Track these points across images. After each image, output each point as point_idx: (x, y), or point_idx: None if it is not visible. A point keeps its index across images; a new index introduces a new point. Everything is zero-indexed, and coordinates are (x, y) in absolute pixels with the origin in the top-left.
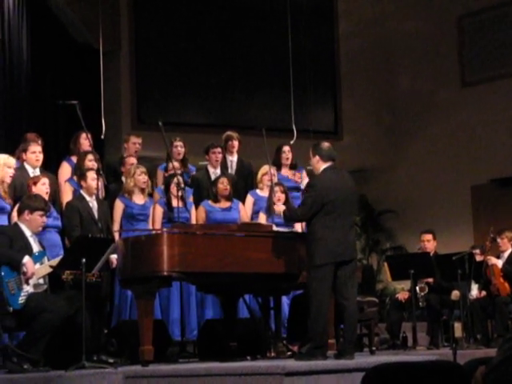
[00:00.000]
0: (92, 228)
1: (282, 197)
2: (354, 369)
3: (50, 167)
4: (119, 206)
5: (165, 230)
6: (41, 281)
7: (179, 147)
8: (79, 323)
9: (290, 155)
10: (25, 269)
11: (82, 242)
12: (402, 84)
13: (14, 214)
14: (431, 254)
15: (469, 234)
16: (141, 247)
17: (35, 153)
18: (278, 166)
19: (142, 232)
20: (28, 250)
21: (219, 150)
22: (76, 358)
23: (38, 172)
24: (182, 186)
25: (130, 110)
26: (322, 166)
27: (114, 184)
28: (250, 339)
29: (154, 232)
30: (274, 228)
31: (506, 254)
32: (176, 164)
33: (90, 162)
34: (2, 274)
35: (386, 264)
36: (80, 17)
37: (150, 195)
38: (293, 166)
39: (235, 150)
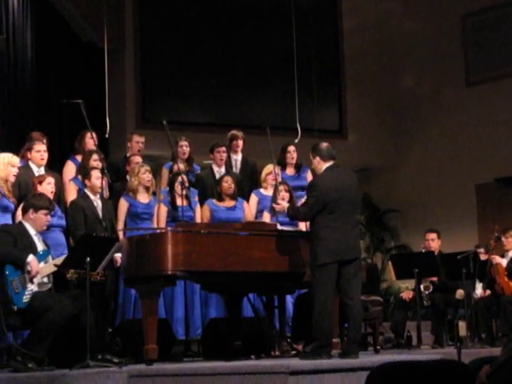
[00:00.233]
0: (96, 227)
1: (287, 196)
2: (358, 368)
3: (54, 166)
4: (124, 205)
5: (169, 228)
6: (45, 280)
7: (184, 147)
8: (83, 322)
9: (295, 155)
10: (29, 268)
11: (86, 240)
12: (405, 83)
13: (19, 212)
14: (436, 253)
15: (473, 233)
16: (145, 246)
17: (40, 152)
18: (283, 165)
19: (146, 231)
20: (32, 248)
21: (224, 149)
22: (80, 356)
23: (42, 171)
24: (187, 184)
25: (135, 109)
26: (323, 166)
27: (118, 183)
28: (254, 338)
29: (158, 231)
30: (279, 227)
31: (511, 253)
32: (181, 163)
33: (95, 161)
34: (7, 272)
35: (390, 263)
36: (84, 15)
37: (155, 194)
38: (298, 166)
39: (240, 149)
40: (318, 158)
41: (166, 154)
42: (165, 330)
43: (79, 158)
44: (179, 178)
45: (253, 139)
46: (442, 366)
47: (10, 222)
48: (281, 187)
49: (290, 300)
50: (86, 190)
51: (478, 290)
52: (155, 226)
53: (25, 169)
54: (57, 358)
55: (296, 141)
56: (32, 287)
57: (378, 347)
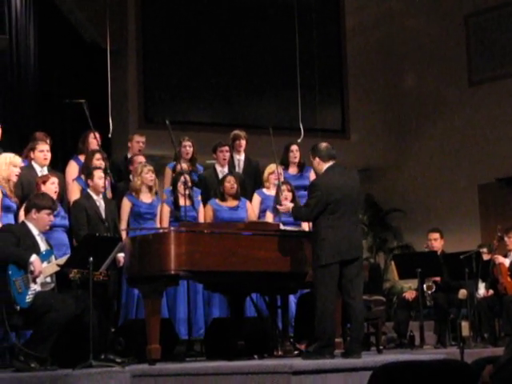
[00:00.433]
0: (99, 227)
1: (289, 195)
2: (361, 368)
3: (57, 166)
4: (126, 205)
5: (172, 228)
6: (48, 279)
7: (188, 147)
8: (86, 322)
9: (297, 154)
10: (32, 267)
11: (89, 240)
12: (408, 83)
13: (22, 212)
14: (438, 253)
15: (476, 233)
16: (148, 246)
17: (43, 152)
18: (286, 164)
19: (149, 231)
20: (35, 248)
21: (227, 148)
22: (83, 356)
23: (45, 171)
24: (190, 184)
25: (137, 109)
26: (323, 166)
27: (122, 183)
28: (257, 338)
29: (161, 231)
30: (281, 227)
31: None
32: (184, 163)
33: (98, 160)
34: (10, 272)
35: (393, 263)
36: (87, 16)
37: (157, 194)
38: (301, 165)
39: (242, 148)
40: (317, 159)
41: (169, 153)
42: (167, 329)
43: (82, 158)
44: (182, 178)
45: (255, 139)
46: (444, 365)
47: (13, 221)
48: (283, 187)
49: (292, 300)
50: (89, 190)
51: (481, 289)
52: (158, 225)
53: (28, 169)
54: (60, 357)
55: (299, 140)
56: (35, 287)
57: (381, 347)
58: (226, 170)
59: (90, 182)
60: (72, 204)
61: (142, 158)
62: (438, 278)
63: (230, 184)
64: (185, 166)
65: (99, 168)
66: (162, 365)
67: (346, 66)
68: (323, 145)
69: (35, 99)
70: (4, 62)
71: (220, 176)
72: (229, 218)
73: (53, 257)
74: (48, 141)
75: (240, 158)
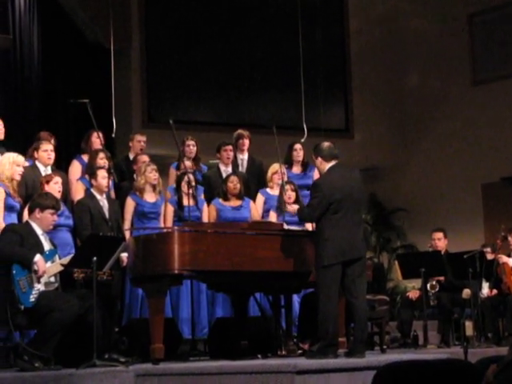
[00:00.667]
0: (102, 226)
1: (293, 195)
2: (364, 367)
3: (60, 165)
4: (130, 204)
5: (176, 228)
6: (52, 279)
7: (191, 146)
8: (90, 322)
9: (301, 153)
10: (36, 267)
11: (92, 240)
12: (412, 82)
13: (26, 212)
14: (442, 253)
15: (480, 233)
16: (152, 245)
17: (47, 151)
18: (290, 164)
19: (152, 230)
20: (39, 248)
21: (230, 147)
22: (87, 356)
23: (49, 170)
24: (193, 184)
25: (141, 109)
26: (326, 165)
27: (126, 182)
28: (260, 337)
29: (164, 230)
30: (285, 226)
31: None
32: (188, 163)
33: (102, 160)
34: (14, 272)
35: (396, 262)
36: (91, 15)
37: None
38: (304, 165)
39: (246, 148)
40: (320, 159)
41: (172, 153)
42: (171, 329)
43: (85, 157)
44: (186, 178)
45: (259, 138)
46: (448, 365)
47: (16, 221)
48: (287, 186)
49: (296, 299)
50: (93, 190)
51: (485, 289)
52: (162, 225)
53: (31, 168)
54: (63, 357)
55: (302, 140)
56: (39, 287)
57: (385, 347)
58: (229, 169)
59: (93, 181)
60: (75, 204)
61: (145, 158)
62: (441, 278)
63: (233, 184)
64: (188, 165)
65: (103, 168)
66: (165, 364)
67: (349, 65)
68: (325, 144)
69: (39, 99)
70: (8, 61)
71: (224, 175)
72: (232, 218)
73: (56, 256)
74: (52, 141)
75: (243, 157)
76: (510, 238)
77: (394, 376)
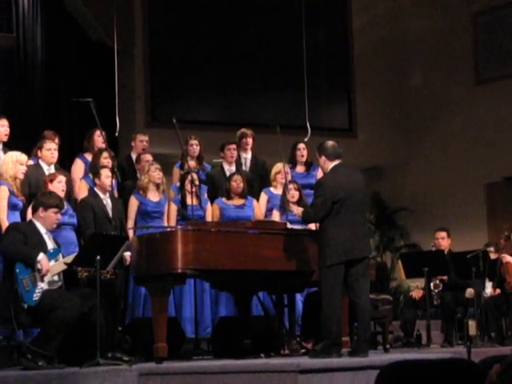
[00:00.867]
0: (106, 225)
1: (296, 194)
2: (368, 366)
3: (64, 164)
4: (134, 203)
5: (179, 227)
6: (55, 278)
7: (195, 145)
8: (93, 320)
9: (304, 153)
10: (39, 266)
11: (96, 239)
12: (415, 81)
13: (29, 211)
14: (445, 252)
15: (483, 232)
16: (155, 244)
17: (50, 150)
18: (293, 163)
19: (156, 229)
20: (42, 247)
21: (234, 146)
22: (90, 355)
23: (52, 169)
24: (197, 183)
25: (144, 108)
26: (329, 165)
27: (129, 181)
28: (263, 337)
29: (168, 229)
30: (288, 225)
31: None
32: (191, 162)
33: (105, 159)
34: (17, 270)
35: (400, 262)
36: (94, 15)
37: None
38: (308, 164)
39: (249, 147)
40: (323, 158)
41: (176, 152)
42: (174, 328)
43: (88, 156)
44: (189, 177)
45: (262, 138)
46: (451, 364)
47: (19, 219)
48: (290, 186)
49: (299, 298)
50: (96, 189)
51: (488, 288)
52: (165, 224)
53: (35, 167)
54: (67, 355)
55: (306, 139)
56: (42, 285)
57: (388, 346)
58: (233, 168)
59: (97, 180)
60: (79, 203)
61: (149, 157)
62: (445, 277)
63: (237, 183)
64: (192, 164)
65: (106, 167)
66: (168, 363)
67: (352, 64)
68: (330, 143)
69: (42, 98)
70: (11, 60)
71: (227, 174)
72: (235, 217)
73: (60, 255)
74: (56, 140)
75: (247, 156)
76: None
77: (397, 375)
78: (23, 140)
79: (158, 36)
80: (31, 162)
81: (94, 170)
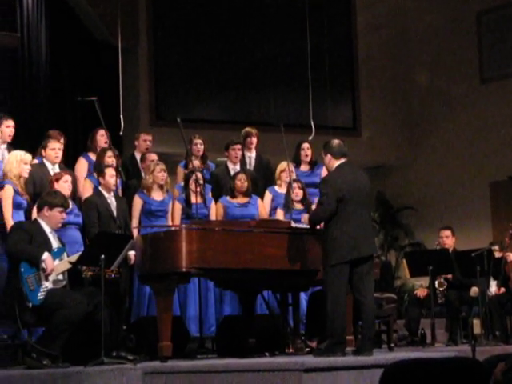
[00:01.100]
0: (110, 224)
1: (300, 193)
2: (372, 365)
3: (68, 163)
4: (138, 203)
5: (183, 226)
6: (60, 277)
7: (199, 144)
8: (98, 319)
9: (309, 152)
10: (44, 265)
11: (100, 238)
12: (420, 80)
13: (35, 210)
14: (450, 251)
15: (487, 231)
16: (159, 243)
17: (54, 149)
18: (298, 162)
19: (160, 228)
20: (47, 246)
21: (239, 147)
22: (95, 353)
23: (57, 169)
24: (201, 182)
25: (149, 107)
26: (334, 163)
27: (134, 180)
28: (268, 335)
29: (172, 228)
30: (293, 224)
31: None
32: (196, 161)
33: (110, 158)
34: (22, 269)
35: (404, 260)
36: (98, 14)
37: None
38: (312, 163)
39: (254, 146)
40: (329, 156)
41: (180, 151)
42: (179, 327)
43: (91, 155)
44: (194, 176)
45: (267, 136)
46: (456, 363)
47: (23, 218)
48: (294, 185)
49: (303, 297)
50: (100, 188)
51: (493, 287)
52: (169, 223)
53: (39, 166)
54: (71, 354)
55: (310, 138)
56: (47, 284)
57: (392, 345)
58: (237, 167)
59: (101, 179)
60: (83, 202)
61: (154, 156)
62: (449, 276)
63: (241, 182)
64: (196, 163)
65: (111, 166)
66: (173, 362)
67: (357, 63)
68: (336, 142)
69: (47, 97)
70: (16, 59)
71: (232, 174)
72: (239, 215)
73: (65, 254)
74: (62, 139)
75: (251, 155)
76: None
77: (401, 374)
78: (27, 139)
79: (163, 35)
80: (36, 161)
81: (98, 169)
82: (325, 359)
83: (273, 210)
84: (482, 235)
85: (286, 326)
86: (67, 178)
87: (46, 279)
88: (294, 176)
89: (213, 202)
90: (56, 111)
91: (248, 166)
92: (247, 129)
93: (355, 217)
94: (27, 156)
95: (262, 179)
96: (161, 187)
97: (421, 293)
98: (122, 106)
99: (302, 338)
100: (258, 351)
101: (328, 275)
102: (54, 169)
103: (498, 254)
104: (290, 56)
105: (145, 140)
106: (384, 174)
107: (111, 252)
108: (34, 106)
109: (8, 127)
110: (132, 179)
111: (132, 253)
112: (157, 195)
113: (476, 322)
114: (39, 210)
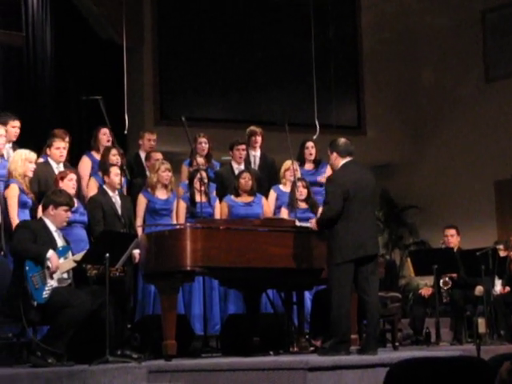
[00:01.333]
0: (115, 223)
1: (305, 192)
2: (377, 364)
3: (72, 162)
4: (142, 201)
5: (188, 224)
6: (65, 275)
7: (203, 143)
8: (103, 318)
9: (313, 151)
10: (49, 263)
11: (105, 236)
12: (425, 79)
13: (40, 208)
14: (455, 250)
15: (492, 230)
16: (164, 242)
17: (59, 148)
18: (302, 161)
19: (165, 227)
20: (52, 244)
21: (244, 147)
22: (100, 352)
23: (61, 167)
24: (206, 181)
25: (153, 106)
26: (340, 161)
27: (139, 178)
28: (272, 334)
29: (177, 227)
30: (297, 223)
31: None
32: (200, 160)
33: (114, 156)
34: (27, 268)
35: (409, 259)
36: (103, 12)
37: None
38: (316, 162)
39: (258, 145)
40: (335, 154)
41: (185, 150)
42: (183, 325)
43: (95, 153)
44: (198, 175)
45: (271, 135)
46: (461, 362)
47: (28, 217)
48: (299, 183)
49: (308, 296)
50: (105, 187)
51: (498, 286)
52: (174, 221)
53: (44, 165)
54: (76, 353)
55: (314, 137)
56: (52, 283)
57: (397, 344)
58: (242, 167)
59: (106, 178)
60: (88, 200)
61: (159, 155)
62: (454, 275)
63: (245, 181)
64: (201, 162)
65: (115, 164)
66: (177, 361)
67: (361, 62)
68: (342, 140)
69: (51, 96)
70: (21, 59)
71: (236, 173)
72: (244, 214)
73: (70, 253)
74: (67, 139)
75: (256, 154)
76: None
77: (406, 373)
78: (32, 138)
79: (167, 34)
80: (41, 160)
81: (103, 167)
82: (329, 358)
83: (277, 208)
84: (486, 234)
85: (291, 324)
86: (72, 176)
87: (51, 277)
88: (298, 175)
89: (217, 201)
90: (61, 110)
91: (252, 165)
92: (252, 128)
93: (360, 215)
94: (32, 155)
95: (266, 178)
96: (165, 186)
97: (425, 292)
98: (126, 105)
99: (307, 336)
100: (263, 350)
101: (333, 274)
102: (58, 168)
103: (502, 253)
104: (295, 55)
105: (149, 139)
106: (388, 172)
107: (116, 250)
108: (38, 105)
109: (14, 127)
110: (137, 178)
111: (137, 251)
112: (161, 194)
113: (481, 321)
114: (44, 209)
